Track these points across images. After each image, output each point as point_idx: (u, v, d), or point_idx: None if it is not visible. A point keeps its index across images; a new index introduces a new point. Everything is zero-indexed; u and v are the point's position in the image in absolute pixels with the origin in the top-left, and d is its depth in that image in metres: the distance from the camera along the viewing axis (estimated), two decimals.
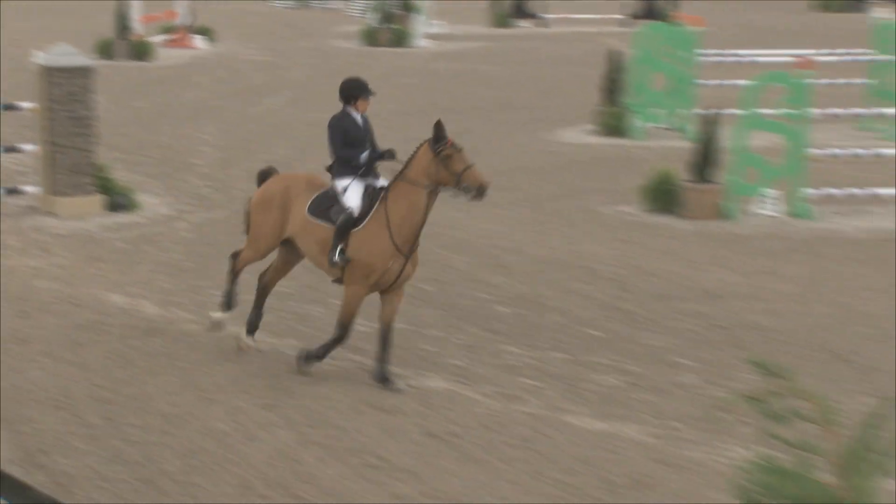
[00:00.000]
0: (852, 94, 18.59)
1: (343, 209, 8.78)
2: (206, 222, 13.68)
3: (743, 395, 3.25)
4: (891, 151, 15.11)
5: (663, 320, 10.31)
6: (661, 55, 18.47)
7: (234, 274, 9.44)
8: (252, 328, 9.41)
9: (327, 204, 8.89)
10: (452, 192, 8.66)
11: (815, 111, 14.06)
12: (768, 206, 13.64)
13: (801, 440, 3.13)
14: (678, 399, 8.60)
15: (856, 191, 13.86)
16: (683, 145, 15.12)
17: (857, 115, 16.85)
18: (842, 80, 18.77)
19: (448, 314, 10.42)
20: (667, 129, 18.10)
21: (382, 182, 8.90)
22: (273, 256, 9.51)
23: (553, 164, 17.07)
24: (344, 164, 8.87)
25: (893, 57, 18.40)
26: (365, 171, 8.89)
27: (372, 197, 8.79)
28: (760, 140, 14.00)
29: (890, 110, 16.83)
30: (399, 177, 8.74)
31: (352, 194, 8.82)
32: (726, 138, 13.81)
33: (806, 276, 11.77)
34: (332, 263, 8.76)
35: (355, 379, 8.97)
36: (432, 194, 8.67)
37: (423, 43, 31.10)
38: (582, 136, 18.84)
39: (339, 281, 8.99)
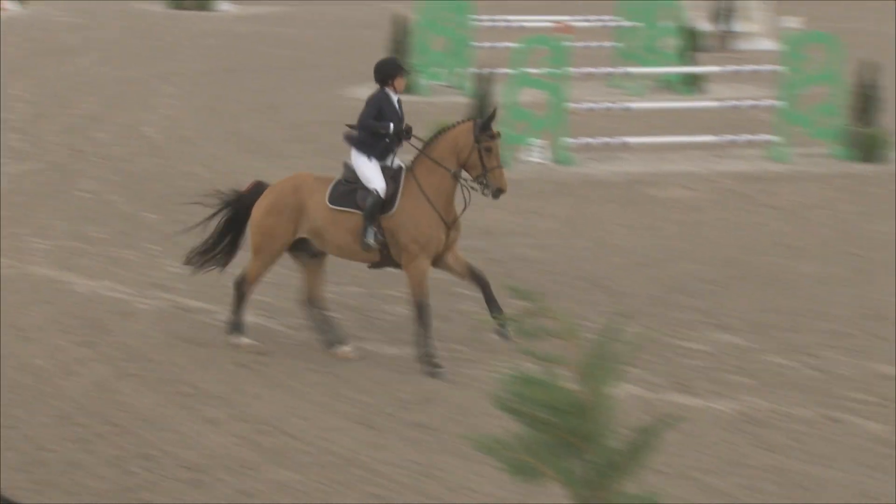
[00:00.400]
0: (603, 56, 19.22)
1: (368, 192, 7.96)
2: (20, 173, 13.04)
3: (504, 317, 3.39)
4: (636, 105, 15.76)
5: None
6: (441, 20, 18.61)
7: (241, 297, 8.20)
8: (337, 340, 8.17)
9: (349, 190, 8.02)
10: (469, 181, 8.04)
11: (573, 70, 14.48)
12: (535, 153, 14.03)
13: (549, 353, 3.30)
14: (459, 324, 8.82)
15: (609, 140, 14.40)
16: (462, 101, 15.32)
17: (608, 74, 17.45)
18: (594, 43, 19.37)
19: None
20: (447, 86, 18.29)
21: (398, 161, 8.16)
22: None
23: (346, 117, 16.71)
24: (367, 138, 8.08)
25: (636, 23, 19.15)
26: (382, 153, 8.09)
27: (395, 177, 8.02)
28: (528, 96, 14.34)
29: (635, 69, 17.53)
30: (424, 152, 8.05)
31: (373, 174, 8.00)
32: (499, 94, 14.08)
33: (568, 214, 12.20)
34: (366, 247, 7.96)
35: (170, 316, 8.79)
36: (455, 177, 8.02)
37: (225, 7, 30.28)
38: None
39: (377, 265, 8.19)
